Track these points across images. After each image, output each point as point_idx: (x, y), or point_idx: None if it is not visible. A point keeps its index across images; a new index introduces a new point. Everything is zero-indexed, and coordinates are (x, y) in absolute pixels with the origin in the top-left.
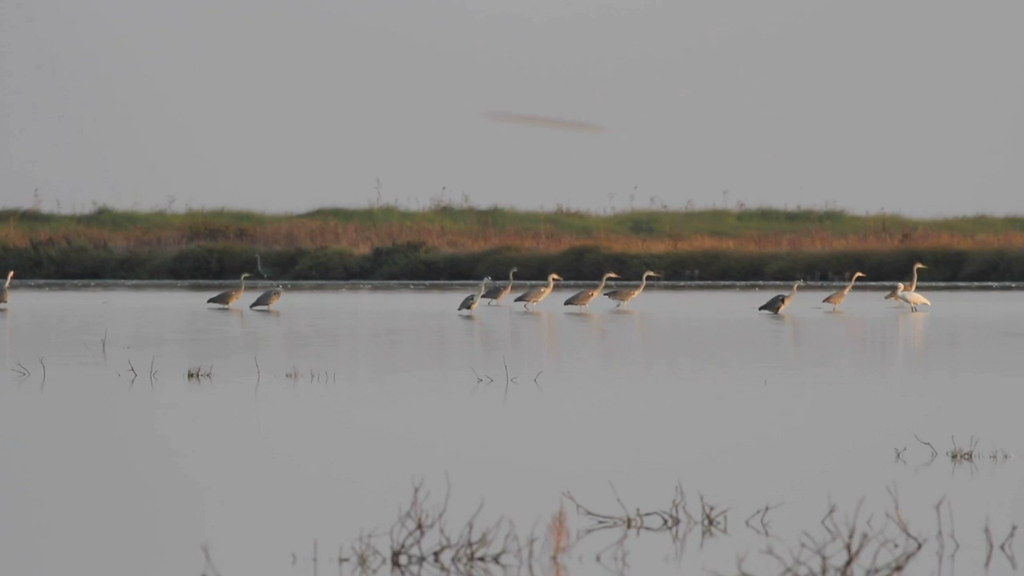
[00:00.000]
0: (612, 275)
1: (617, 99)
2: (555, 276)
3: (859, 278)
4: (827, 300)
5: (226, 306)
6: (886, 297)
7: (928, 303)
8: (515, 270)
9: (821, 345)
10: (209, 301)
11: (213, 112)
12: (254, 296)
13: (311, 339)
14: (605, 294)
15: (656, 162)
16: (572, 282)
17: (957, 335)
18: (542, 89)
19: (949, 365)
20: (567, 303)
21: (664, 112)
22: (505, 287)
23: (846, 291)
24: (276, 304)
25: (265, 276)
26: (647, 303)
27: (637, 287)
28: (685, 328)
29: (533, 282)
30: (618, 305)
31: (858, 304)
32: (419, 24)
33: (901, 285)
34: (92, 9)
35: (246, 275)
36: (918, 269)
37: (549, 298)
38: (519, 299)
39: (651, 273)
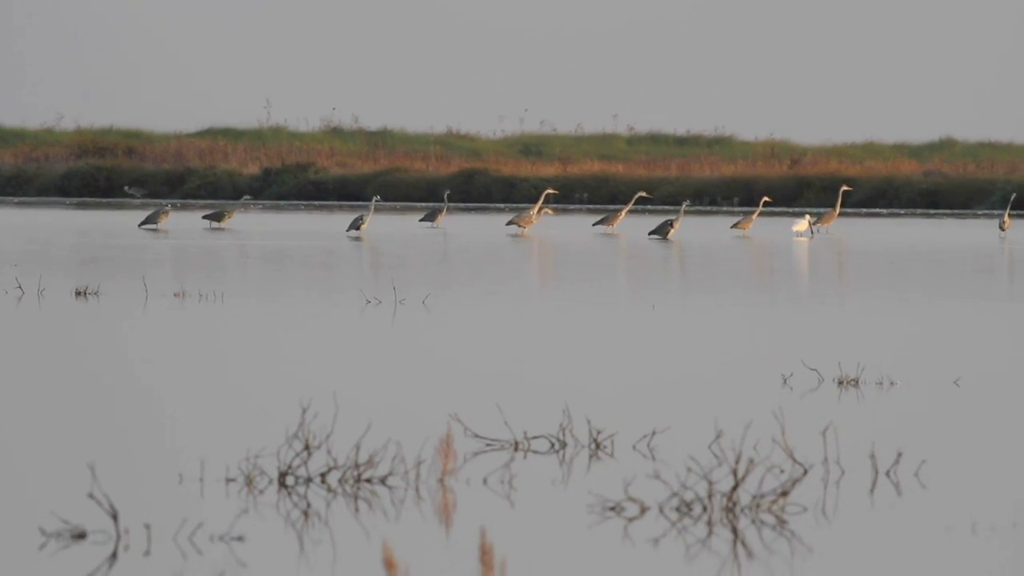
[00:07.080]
0: (552, 190)
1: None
2: (643, 193)
3: (766, 203)
4: (735, 226)
5: (220, 225)
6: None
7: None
8: (448, 192)
9: (710, 271)
10: (204, 218)
11: (102, 29)
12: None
13: (199, 259)
14: (594, 223)
15: (546, 85)
16: (463, 204)
17: (845, 262)
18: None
19: (837, 292)
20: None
21: (553, 36)
22: (441, 210)
23: (754, 216)
24: (165, 223)
25: (139, 196)
26: (537, 227)
27: (621, 210)
28: (574, 252)
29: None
30: (604, 230)
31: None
32: None
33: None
34: None
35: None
36: (844, 192)
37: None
38: (652, 232)
39: (643, 194)
